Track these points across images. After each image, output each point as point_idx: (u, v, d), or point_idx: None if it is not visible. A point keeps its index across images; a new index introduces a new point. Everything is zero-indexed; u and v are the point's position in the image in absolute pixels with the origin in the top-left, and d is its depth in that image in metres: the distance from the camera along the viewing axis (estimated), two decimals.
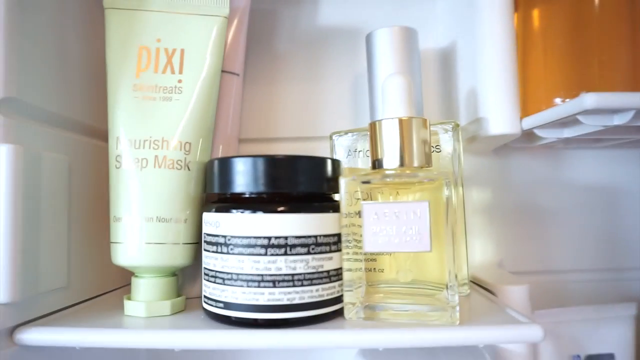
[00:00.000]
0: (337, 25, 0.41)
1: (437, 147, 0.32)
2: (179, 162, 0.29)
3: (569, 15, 0.33)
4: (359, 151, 0.34)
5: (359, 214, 0.27)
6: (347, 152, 0.34)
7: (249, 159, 0.26)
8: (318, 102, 0.41)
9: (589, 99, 0.25)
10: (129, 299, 0.29)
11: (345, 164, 0.34)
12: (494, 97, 0.33)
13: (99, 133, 0.33)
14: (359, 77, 0.40)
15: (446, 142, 0.32)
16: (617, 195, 0.40)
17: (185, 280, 0.32)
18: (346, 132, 0.34)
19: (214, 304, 0.26)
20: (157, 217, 0.28)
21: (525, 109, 0.33)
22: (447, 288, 0.26)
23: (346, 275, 0.27)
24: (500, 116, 0.32)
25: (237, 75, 0.35)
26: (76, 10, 0.32)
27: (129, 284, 0.30)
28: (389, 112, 0.28)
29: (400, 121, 0.27)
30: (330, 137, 0.34)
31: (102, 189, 0.30)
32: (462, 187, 0.32)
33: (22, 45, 0.26)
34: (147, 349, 0.39)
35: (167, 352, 0.40)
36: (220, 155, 0.34)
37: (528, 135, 0.35)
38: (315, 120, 0.41)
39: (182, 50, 0.30)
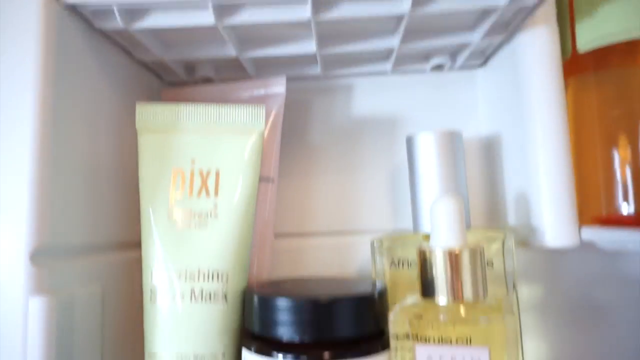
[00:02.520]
0: (373, 114, 0.39)
1: (489, 262, 0.30)
2: (217, 293, 0.27)
3: (629, 96, 0.30)
4: (402, 261, 0.32)
5: (408, 336, 0.25)
6: (390, 261, 0.32)
7: (290, 301, 0.25)
8: (354, 195, 0.39)
9: None
10: None
11: (387, 272, 0.32)
12: (548, 204, 0.30)
13: (132, 245, 0.32)
14: (397, 168, 0.39)
15: (498, 257, 0.30)
16: None
17: None
18: (388, 241, 0.32)
19: None
20: (193, 354, 0.26)
21: (584, 213, 0.31)
22: None
23: None
24: (556, 227, 0.30)
25: (272, 181, 0.34)
26: (109, 136, 0.31)
27: None
28: (439, 239, 0.26)
29: (453, 253, 0.25)
30: (372, 244, 0.32)
31: (137, 318, 0.29)
32: (516, 294, 0.30)
33: (55, 185, 0.25)
34: None
35: None
36: (256, 258, 0.32)
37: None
38: (352, 214, 0.39)
39: (217, 172, 0.29)
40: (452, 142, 0.31)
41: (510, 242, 0.30)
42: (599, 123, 0.32)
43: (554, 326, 0.37)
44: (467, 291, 0.25)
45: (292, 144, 0.39)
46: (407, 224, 0.37)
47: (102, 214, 0.30)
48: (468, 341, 0.24)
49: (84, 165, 0.28)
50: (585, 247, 0.37)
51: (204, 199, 0.28)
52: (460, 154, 0.31)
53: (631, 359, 0.37)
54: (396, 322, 0.26)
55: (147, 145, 0.29)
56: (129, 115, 0.30)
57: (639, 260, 0.37)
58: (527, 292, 0.38)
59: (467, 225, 0.31)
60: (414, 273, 0.30)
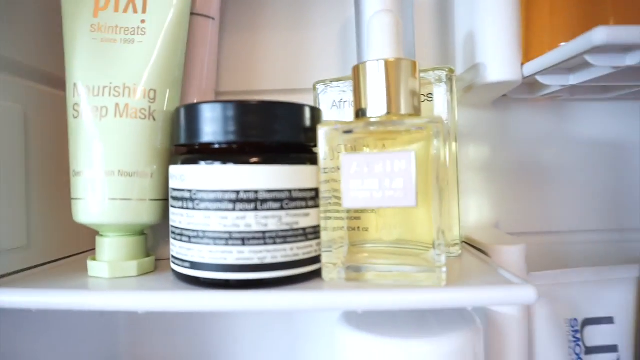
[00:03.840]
0: None
1: (430, 95, 0.29)
2: (143, 111, 0.26)
3: None
4: (345, 102, 0.31)
5: (338, 168, 0.25)
6: (332, 104, 0.31)
7: (218, 105, 0.24)
8: (303, 51, 0.38)
9: (600, 34, 0.21)
10: (94, 259, 0.27)
11: (330, 117, 0.31)
12: (492, 40, 0.30)
13: (58, 81, 0.30)
14: (348, 22, 0.37)
15: (439, 91, 0.29)
16: (624, 151, 0.38)
17: (157, 240, 0.30)
18: (331, 81, 0.31)
19: (181, 264, 0.24)
20: (119, 171, 0.26)
21: (528, 55, 0.30)
22: (433, 247, 0.23)
23: (324, 236, 0.25)
24: (499, 61, 0.29)
25: (213, 19, 0.32)
26: None
27: None
28: (374, 53, 0.25)
29: (387, 63, 0.24)
30: (314, 87, 0.32)
31: (64, 141, 0.28)
32: (455, 141, 0.29)
33: None
34: (127, 314, 0.38)
35: (147, 316, 0.38)
36: None
37: (530, 85, 0.33)
38: (300, 71, 0.38)
39: None
40: None
41: (452, 75, 0.29)
42: None
43: (498, 184, 0.38)
44: (400, 103, 0.24)
45: None
46: None
47: (19, 27, 0.28)
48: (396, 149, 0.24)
49: None
50: (533, 107, 0.37)
51: (130, 15, 0.27)
52: None
53: (573, 217, 0.38)
54: (326, 138, 0.25)
55: None
56: None
57: (588, 119, 0.38)
58: (472, 151, 0.38)
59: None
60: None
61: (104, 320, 0.37)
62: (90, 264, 0.26)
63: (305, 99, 0.36)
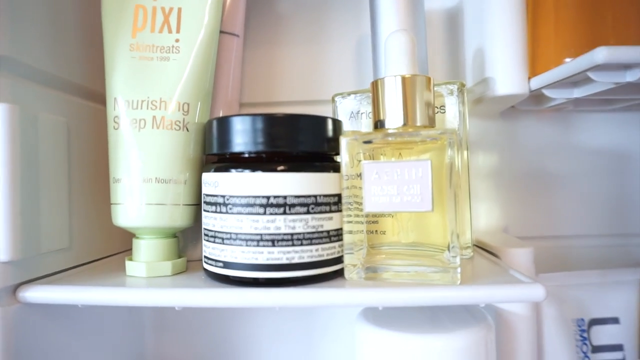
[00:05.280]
0: None
1: (442, 107, 0.31)
2: (178, 122, 0.28)
3: None
4: (362, 113, 0.33)
5: (360, 175, 0.27)
6: (349, 115, 0.33)
7: (248, 118, 0.26)
8: (321, 64, 0.40)
9: (600, 53, 0.23)
10: (131, 259, 0.29)
11: (347, 127, 0.33)
12: (501, 56, 0.31)
13: (98, 96, 0.33)
14: (363, 38, 0.39)
15: (451, 103, 0.31)
16: (626, 160, 0.39)
17: (187, 243, 0.32)
18: (349, 94, 0.33)
19: (214, 264, 0.26)
20: (155, 178, 0.28)
21: (535, 70, 0.32)
22: (448, 249, 0.25)
23: (346, 238, 0.27)
24: (507, 76, 0.31)
25: (237, 36, 0.34)
26: None
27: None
28: (391, 70, 0.27)
29: (403, 79, 0.26)
30: (333, 99, 0.34)
31: (103, 151, 0.30)
32: (467, 150, 0.31)
33: (15, 3, 0.25)
34: (151, 311, 0.40)
35: (171, 313, 0.40)
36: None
37: (536, 97, 0.34)
38: (319, 83, 0.40)
39: (180, 9, 0.29)
40: None
41: (464, 89, 0.31)
42: None
43: (506, 191, 0.40)
44: (415, 116, 0.26)
45: (260, 12, 0.40)
46: None
47: (64, 47, 0.30)
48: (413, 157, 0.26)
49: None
50: (540, 117, 0.39)
51: (165, 35, 0.29)
52: (420, 6, 0.32)
53: (578, 222, 0.40)
54: (347, 147, 0.27)
55: None
56: None
57: (592, 129, 0.40)
58: (481, 159, 0.40)
59: (424, 73, 0.32)
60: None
61: (131, 318, 0.39)
62: (129, 264, 0.28)
63: (323, 110, 0.39)
